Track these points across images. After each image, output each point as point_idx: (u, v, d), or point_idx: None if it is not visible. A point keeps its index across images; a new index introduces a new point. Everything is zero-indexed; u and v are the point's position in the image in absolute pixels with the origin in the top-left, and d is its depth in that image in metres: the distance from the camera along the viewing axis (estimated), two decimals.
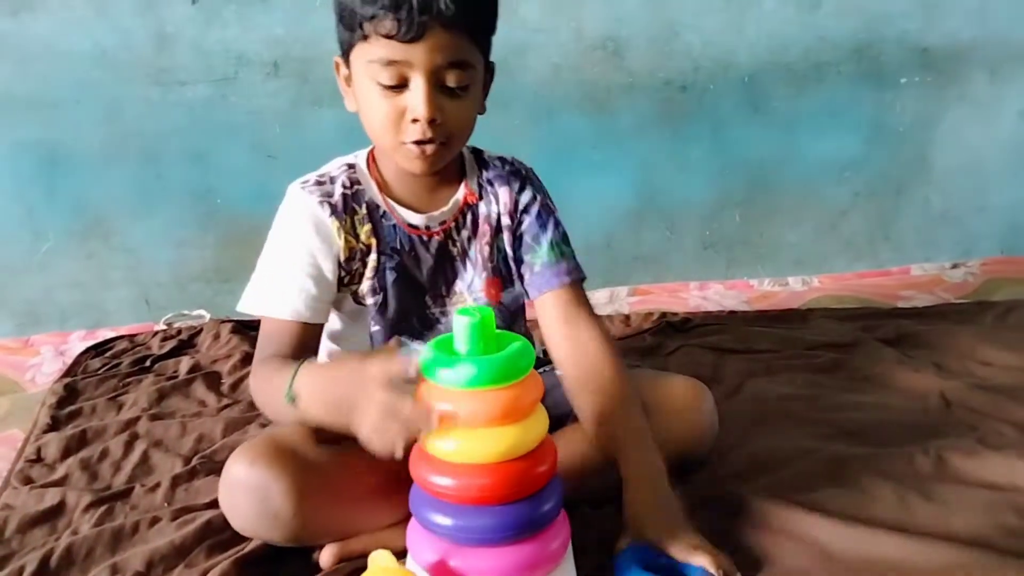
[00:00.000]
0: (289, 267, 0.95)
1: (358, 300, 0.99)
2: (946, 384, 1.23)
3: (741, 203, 1.88)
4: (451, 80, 0.88)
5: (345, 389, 0.76)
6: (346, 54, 0.92)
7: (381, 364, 0.73)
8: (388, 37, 0.85)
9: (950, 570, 0.81)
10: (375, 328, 0.99)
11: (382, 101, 0.88)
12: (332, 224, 0.95)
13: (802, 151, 1.86)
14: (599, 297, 1.71)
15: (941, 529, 0.88)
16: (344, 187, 0.97)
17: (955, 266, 1.88)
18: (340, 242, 0.96)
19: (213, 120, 1.66)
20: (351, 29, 0.88)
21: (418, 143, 0.90)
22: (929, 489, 0.96)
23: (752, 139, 1.84)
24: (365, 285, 0.98)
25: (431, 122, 0.88)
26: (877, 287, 1.78)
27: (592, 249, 1.08)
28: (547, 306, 1.02)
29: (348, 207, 0.97)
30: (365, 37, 0.86)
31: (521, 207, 1.03)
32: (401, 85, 0.87)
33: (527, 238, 1.03)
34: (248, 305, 0.95)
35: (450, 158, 0.95)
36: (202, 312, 1.67)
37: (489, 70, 0.96)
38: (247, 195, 1.69)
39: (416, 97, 0.87)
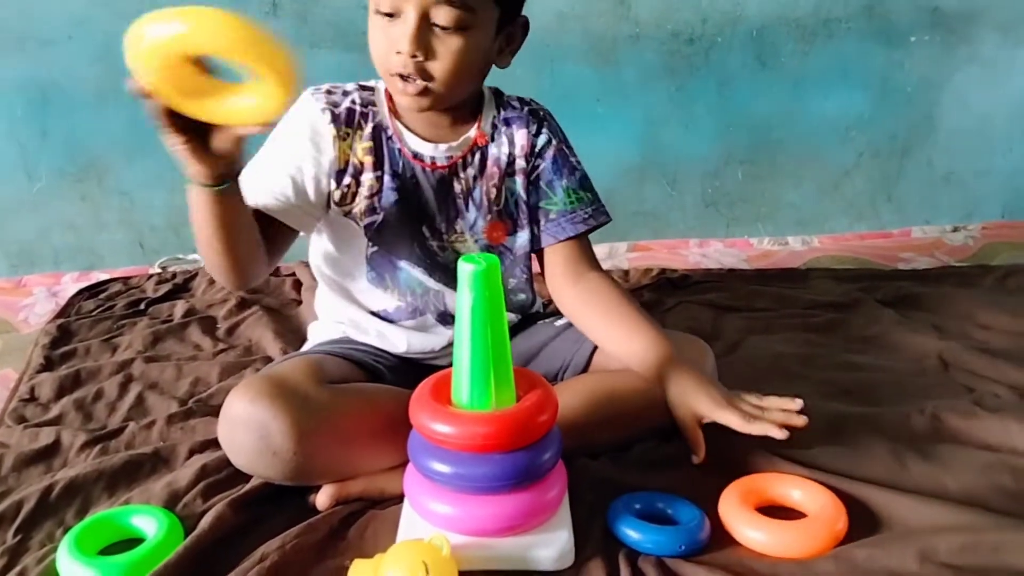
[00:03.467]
0: (272, 162, 0.96)
1: (353, 219, 0.98)
2: (944, 346, 1.23)
3: (744, 161, 1.86)
4: (440, 18, 0.87)
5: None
6: None
7: None
8: None
9: (944, 528, 0.81)
10: (372, 250, 0.99)
11: (379, 31, 0.89)
12: (330, 132, 0.95)
13: (808, 109, 1.84)
14: (598, 252, 1.69)
15: (936, 488, 0.88)
16: (354, 103, 0.97)
17: (956, 229, 1.87)
18: (333, 152, 0.95)
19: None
20: None
21: (401, 77, 0.89)
22: (925, 448, 0.96)
23: (758, 95, 1.81)
24: (362, 204, 0.97)
25: (413, 57, 0.87)
26: (877, 248, 1.77)
27: None
28: (556, 255, 1.04)
29: (353, 121, 0.97)
30: None
31: (537, 150, 1.03)
32: (395, 15, 0.87)
33: (542, 184, 1.03)
34: None
35: (445, 102, 0.94)
36: (196, 256, 1.65)
37: (514, 22, 0.94)
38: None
39: (401, 29, 0.87)
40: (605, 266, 1.62)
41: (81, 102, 1.61)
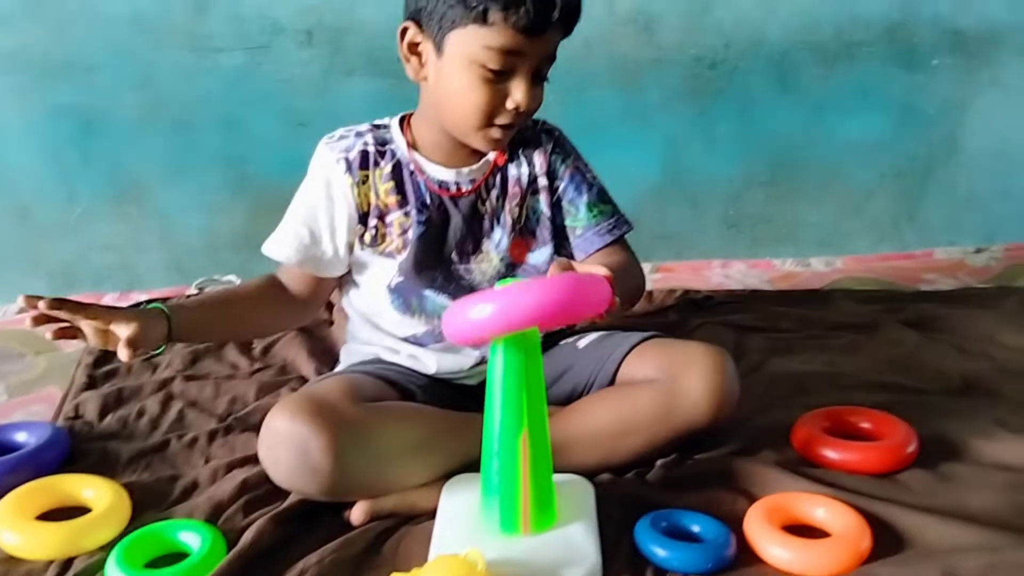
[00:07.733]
0: (294, 215, 1.02)
1: (388, 256, 1.02)
2: (967, 366, 1.25)
3: (766, 182, 1.88)
4: (545, 70, 0.94)
5: None
6: (442, 29, 0.91)
7: None
8: (517, 29, 0.88)
9: (967, 548, 0.82)
10: (398, 280, 1.03)
11: (483, 86, 0.91)
12: (346, 181, 0.99)
13: (830, 131, 1.85)
14: None
15: (959, 508, 0.89)
16: (367, 144, 1.01)
17: (979, 250, 1.88)
18: (352, 199, 1.00)
19: (246, 88, 1.67)
20: (468, 8, 0.88)
21: (502, 127, 0.94)
22: (948, 469, 0.97)
23: (780, 118, 1.83)
24: (396, 242, 1.01)
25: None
26: (900, 270, 1.78)
27: None
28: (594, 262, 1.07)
29: (368, 163, 1.00)
30: (486, 22, 0.88)
31: (556, 170, 1.07)
32: (506, 72, 0.91)
33: (564, 203, 1.07)
34: (264, 245, 1.03)
35: None
36: (232, 277, 1.69)
37: None
38: (277, 163, 1.70)
39: (520, 87, 0.91)
40: None
41: (122, 128, 1.66)
